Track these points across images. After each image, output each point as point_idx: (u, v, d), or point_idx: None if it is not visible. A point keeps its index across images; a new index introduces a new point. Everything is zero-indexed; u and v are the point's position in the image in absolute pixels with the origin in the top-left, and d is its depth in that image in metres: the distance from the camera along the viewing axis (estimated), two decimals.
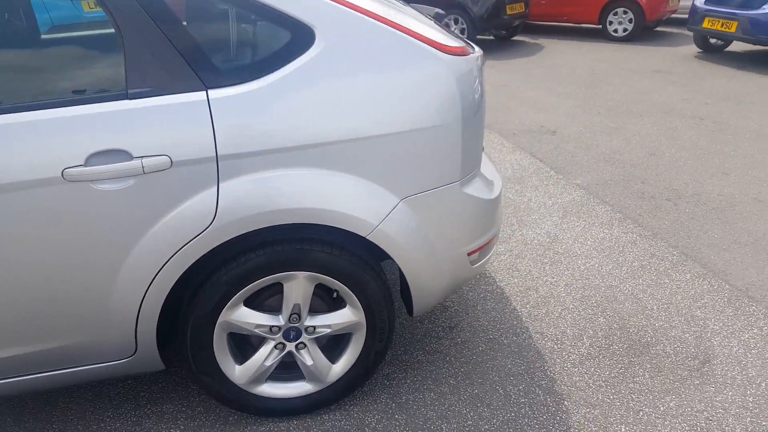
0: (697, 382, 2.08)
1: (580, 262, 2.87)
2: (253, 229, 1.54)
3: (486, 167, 2.06)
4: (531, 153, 4.36)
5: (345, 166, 1.56)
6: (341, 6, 1.54)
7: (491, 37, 9.22)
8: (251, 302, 1.74)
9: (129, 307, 1.56)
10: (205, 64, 1.45)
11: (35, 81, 1.48)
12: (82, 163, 1.40)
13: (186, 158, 1.44)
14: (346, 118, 1.52)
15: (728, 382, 2.08)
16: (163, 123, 1.42)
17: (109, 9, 1.41)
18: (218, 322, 1.68)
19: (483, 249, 1.93)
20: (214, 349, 1.72)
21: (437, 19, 2.24)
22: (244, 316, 1.71)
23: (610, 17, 8.66)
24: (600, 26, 8.90)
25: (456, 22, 7.94)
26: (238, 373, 1.79)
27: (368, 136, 1.55)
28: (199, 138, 1.44)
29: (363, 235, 1.63)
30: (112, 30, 1.43)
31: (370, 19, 1.55)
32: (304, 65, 1.50)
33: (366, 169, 1.58)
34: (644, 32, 9.15)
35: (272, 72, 1.49)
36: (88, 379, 1.68)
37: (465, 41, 1.93)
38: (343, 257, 1.68)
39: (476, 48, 1.94)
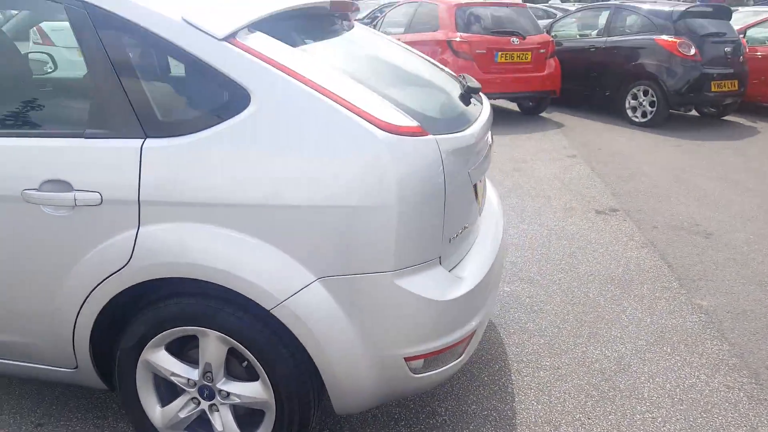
0: None
1: (639, 408, 2.17)
2: (160, 276, 1.59)
3: (472, 262, 1.81)
4: (661, 254, 3.54)
5: (258, 231, 1.53)
6: (279, 71, 1.54)
7: (694, 113, 7.95)
8: (179, 348, 1.75)
9: (65, 323, 1.71)
10: (150, 115, 1.59)
11: (7, 111, 1.78)
12: (36, 187, 1.62)
13: (113, 198, 1.58)
14: (265, 183, 1.51)
15: None
16: (104, 163, 1.60)
17: (87, 60, 1.63)
18: (140, 359, 1.73)
19: (433, 357, 1.66)
20: (137, 385, 1.77)
21: (467, 93, 2.07)
22: (162, 361, 1.73)
23: None
24: None
25: (645, 93, 7.04)
26: (157, 414, 1.80)
27: (284, 204, 1.51)
28: (126, 181, 1.57)
29: (267, 308, 1.56)
30: (82, 77, 1.65)
31: (307, 87, 1.53)
32: (233, 126, 1.54)
33: (280, 238, 1.53)
34: None
35: (205, 129, 1.55)
36: (41, 376, 1.86)
37: (467, 119, 1.84)
38: (256, 326, 1.61)
39: (469, 128, 1.79)
